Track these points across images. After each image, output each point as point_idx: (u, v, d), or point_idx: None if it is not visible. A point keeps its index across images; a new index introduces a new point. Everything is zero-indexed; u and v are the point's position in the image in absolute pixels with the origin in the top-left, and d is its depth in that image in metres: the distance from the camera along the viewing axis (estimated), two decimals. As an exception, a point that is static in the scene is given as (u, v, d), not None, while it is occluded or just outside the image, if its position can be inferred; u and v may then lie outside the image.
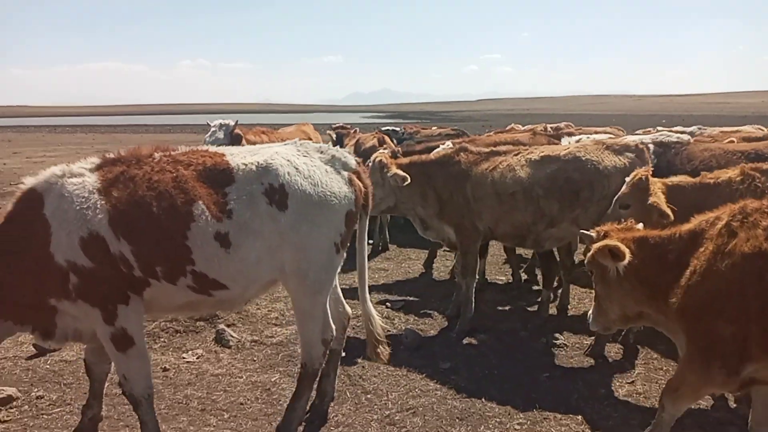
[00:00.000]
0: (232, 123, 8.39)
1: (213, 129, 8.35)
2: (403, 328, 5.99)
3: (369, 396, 4.63)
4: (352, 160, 3.99)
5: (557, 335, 5.70)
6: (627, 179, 4.95)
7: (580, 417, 4.30)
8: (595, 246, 3.59)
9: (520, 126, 12.00)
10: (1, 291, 3.38)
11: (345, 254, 3.97)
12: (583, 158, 5.51)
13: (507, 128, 11.73)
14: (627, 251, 3.41)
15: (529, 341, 5.71)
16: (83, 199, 3.36)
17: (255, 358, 5.34)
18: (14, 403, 4.47)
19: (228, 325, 5.96)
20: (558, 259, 6.33)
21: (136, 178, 3.46)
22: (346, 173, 3.87)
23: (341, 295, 4.44)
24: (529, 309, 6.71)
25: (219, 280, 3.56)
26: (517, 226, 5.76)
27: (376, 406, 4.47)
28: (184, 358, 5.34)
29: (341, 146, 12.03)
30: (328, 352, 4.02)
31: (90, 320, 3.48)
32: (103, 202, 3.37)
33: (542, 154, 5.70)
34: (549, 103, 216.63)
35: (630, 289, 3.55)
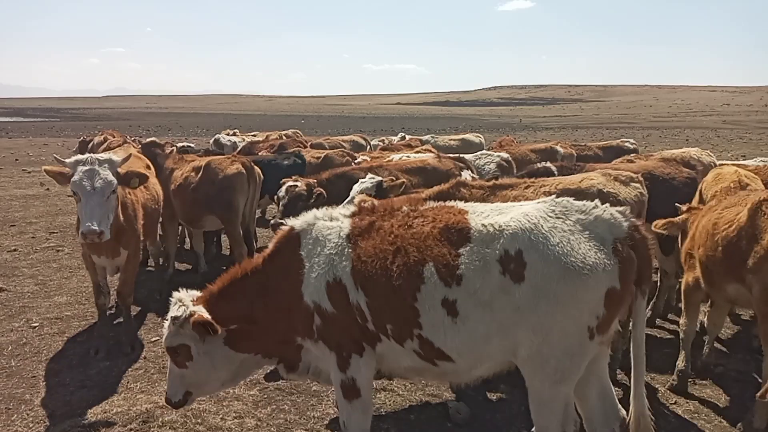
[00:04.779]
0: (240, 141, 6.25)
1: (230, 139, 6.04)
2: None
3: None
4: (623, 223, 3.25)
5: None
6: None
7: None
8: None
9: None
10: (257, 327, 3.72)
11: (607, 339, 3.39)
12: None
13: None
14: None
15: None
16: (334, 244, 3.52)
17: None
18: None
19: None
20: None
21: (381, 230, 3.50)
22: (611, 239, 3.19)
23: (612, 391, 3.64)
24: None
25: (444, 350, 3.34)
26: None
27: None
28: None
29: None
30: None
31: (327, 363, 3.63)
32: (350, 249, 3.48)
33: None
34: (186, 102, 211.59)
35: None
